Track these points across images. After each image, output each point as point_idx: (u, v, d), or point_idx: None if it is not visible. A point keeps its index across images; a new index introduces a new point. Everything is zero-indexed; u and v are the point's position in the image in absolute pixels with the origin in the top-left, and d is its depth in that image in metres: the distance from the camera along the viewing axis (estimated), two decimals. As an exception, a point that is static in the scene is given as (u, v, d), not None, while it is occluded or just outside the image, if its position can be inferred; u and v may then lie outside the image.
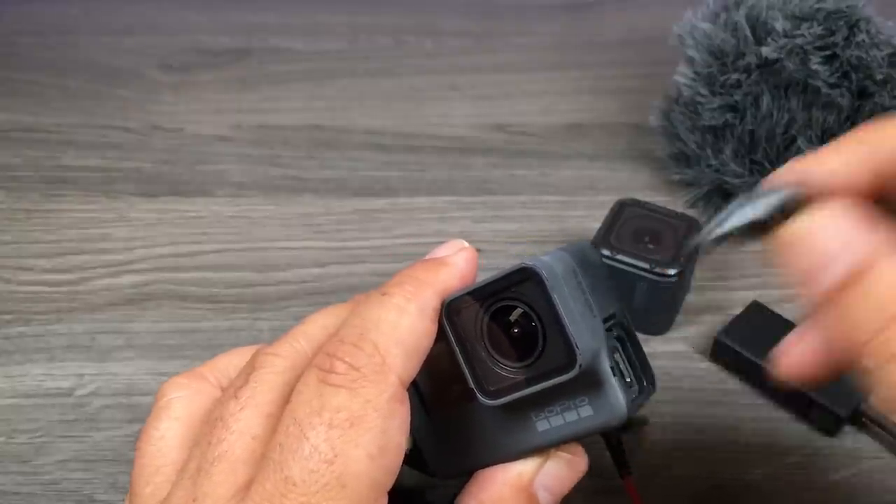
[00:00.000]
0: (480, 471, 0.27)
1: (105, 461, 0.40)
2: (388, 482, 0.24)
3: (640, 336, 0.45)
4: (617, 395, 0.25)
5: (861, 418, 0.40)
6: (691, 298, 0.47)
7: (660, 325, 0.46)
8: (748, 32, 0.48)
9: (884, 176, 0.24)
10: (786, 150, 0.49)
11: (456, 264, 0.27)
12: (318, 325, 0.28)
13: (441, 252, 0.28)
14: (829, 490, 0.38)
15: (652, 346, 0.45)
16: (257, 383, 0.26)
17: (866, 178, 0.24)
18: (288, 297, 0.48)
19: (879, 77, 0.47)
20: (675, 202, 0.54)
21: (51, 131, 0.61)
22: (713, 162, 0.51)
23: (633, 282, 0.43)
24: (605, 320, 0.26)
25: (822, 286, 0.22)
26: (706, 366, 0.44)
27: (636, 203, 0.46)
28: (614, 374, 0.25)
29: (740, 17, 0.49)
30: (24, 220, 0.53)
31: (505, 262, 0.45)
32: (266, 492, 0.23)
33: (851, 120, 0.49)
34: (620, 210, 0.46)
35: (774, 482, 0.39)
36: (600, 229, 0.45)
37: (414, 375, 0.25)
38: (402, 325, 0.25)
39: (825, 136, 0.49)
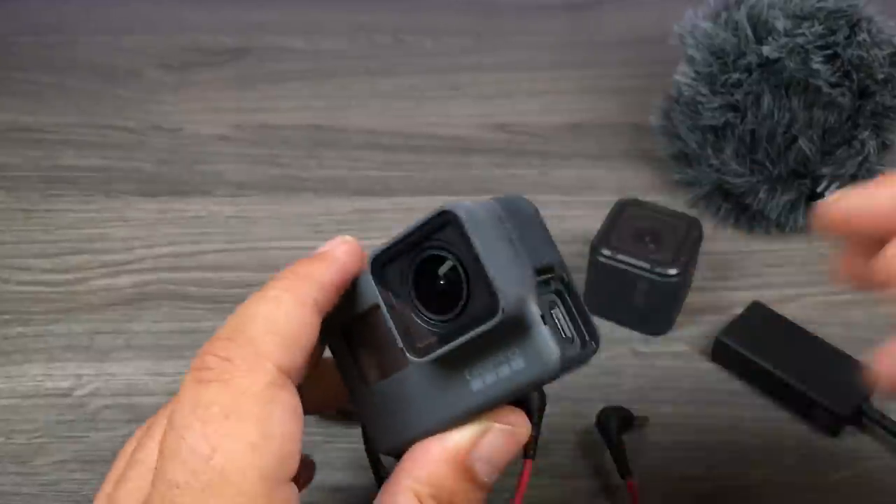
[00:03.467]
0: (415, 445, 0.27)
1: (104, 461, 0.40)
2: (283, 471, 0.23)
3: (641, 336, 0.45)
4: (546, 342, 0.24)
5: (862, 418, 0.40)
6: (691, 298, 0.47)
7: (660, 325, 0.45)
8: (749, 32, 0.48)
9: None
10: (787, 149, 0.49)
11: (336, 257, 0.27)
12: None
13: (323, 248, 0.28)
14: (829, 490, 0.38)
15: (652, 346, 0.45)
16: None
17: None
18: (287, 297, 0.48)
19: (881, 76, 0.47)
20: (676, 202, 0.54)
21: (50, 131, 0.61)
22: (714, 161, 0.51)
23: (634, 282, 0.43)
24: (541, 272, 0.25)
25: None
26: (706, 366, 0.44)
27: (637, 203, 0.46)
28: (545, 322, 0.24)
29: (741, 16, 0.49)
30: (23, 220, 0.53)
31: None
32: (155, 501, 0.23)
33: (852, 120, 0.49)
34: (621, 210, 0.46)
35: (775, 482, 0.39)
36: (601, 229, 0.45)
37: (299, 366, 0.25)
38: (276, 316, 0.25)
39: (826, 135, 0.49)
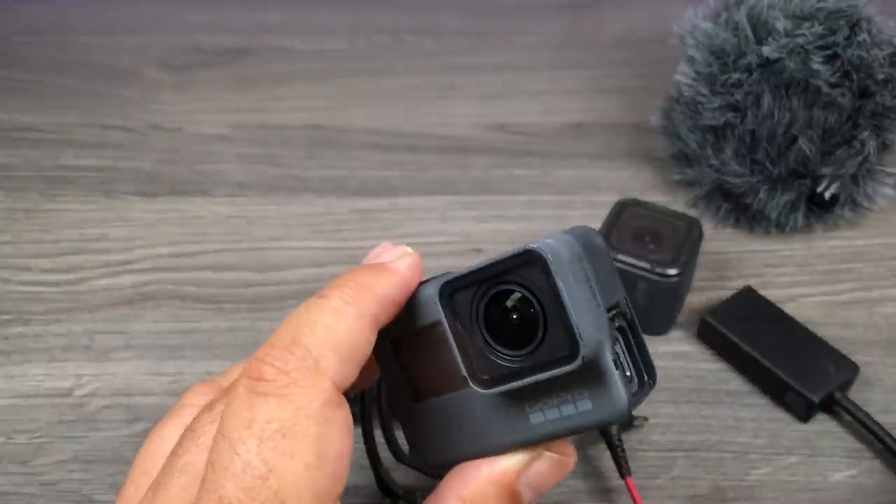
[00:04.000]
0: (462, 464, 0.26)
1: (104, 461, 0.40)
2: (335, 489, 0.23)
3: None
4: (619, 391, 0.24)
5: (833, 406, 0.41)
6: (691, 298, 0.47)
7: (660, 325, 0.45)
8: (749, 32, 0.48)
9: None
10: (787, 149, 0.49)
11: (398, 271, 0.26)
12: None
13: (383, 257, 0.27)
14: (829, 490, 0.38)
15: (652, 346, 0.45)
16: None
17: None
18: (287, 297, 0.48)
19: (881, 76, 0.47)
20: (676, 202, 0.54)
21: (50, 131, 0.61)
22: (714, 161, 0.51)
23: (634, 282, 0.43)
24: (609, 310, 0.24)
25: None
26: (706, 366, 0.44)
27: (637, 203, 0.46)
28: (616, 368, 0.24)
29: (741, 16, 0.49)
30: (24, 219, 0.53)
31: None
32: None
33: (852, 120, 0.48)
34: (621, 210, 0.46)
35: (774, 482, 0.39)
36: (601, 229, 0.45)
37: (352, 381, 0.24)
38: (337, 329, 0.24)
39: (826, 135, 0.49)
